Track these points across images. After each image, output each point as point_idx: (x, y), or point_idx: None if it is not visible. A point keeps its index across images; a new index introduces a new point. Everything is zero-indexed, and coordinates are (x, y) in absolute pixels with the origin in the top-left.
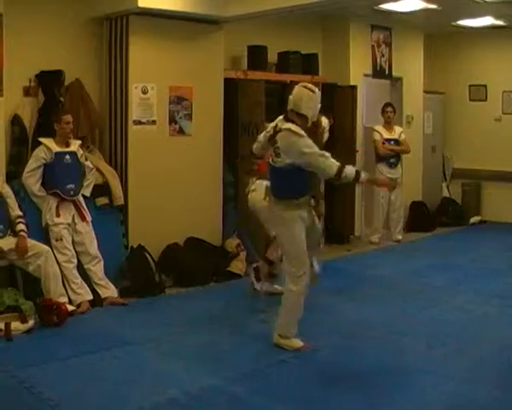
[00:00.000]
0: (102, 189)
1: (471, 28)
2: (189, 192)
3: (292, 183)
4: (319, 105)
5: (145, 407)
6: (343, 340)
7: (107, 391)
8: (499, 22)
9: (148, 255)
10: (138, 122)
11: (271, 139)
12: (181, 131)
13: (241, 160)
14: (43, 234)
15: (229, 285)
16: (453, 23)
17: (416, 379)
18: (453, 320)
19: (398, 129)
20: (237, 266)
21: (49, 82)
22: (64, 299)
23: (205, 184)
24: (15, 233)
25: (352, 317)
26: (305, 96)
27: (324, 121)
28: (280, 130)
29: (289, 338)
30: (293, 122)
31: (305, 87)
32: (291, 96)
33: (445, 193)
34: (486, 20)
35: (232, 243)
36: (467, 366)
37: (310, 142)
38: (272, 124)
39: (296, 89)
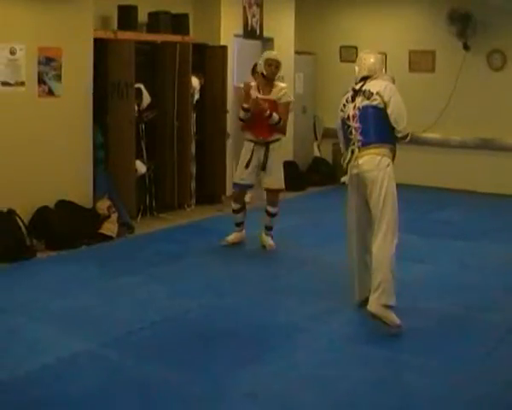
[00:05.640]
0: None
1: None
2: (59, 154)
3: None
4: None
5: (18, 374)
6: (215, 299)
7: None
8: None
9: (18, 219)
10: (6, 83)
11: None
12: (50, 93)
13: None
14: None
15: (101, 247)
16: None
17: (289, 337)
18: (325, 278)
19: None
20: (109, 227)
21: None
22: None
23: (75, 146)
24: None
25: (223, 276)
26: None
27: (195, 82)
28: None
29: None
30: None
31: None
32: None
33: (316, 153)
34: None
35: (103, 204)
36: (339, 323)
37: None
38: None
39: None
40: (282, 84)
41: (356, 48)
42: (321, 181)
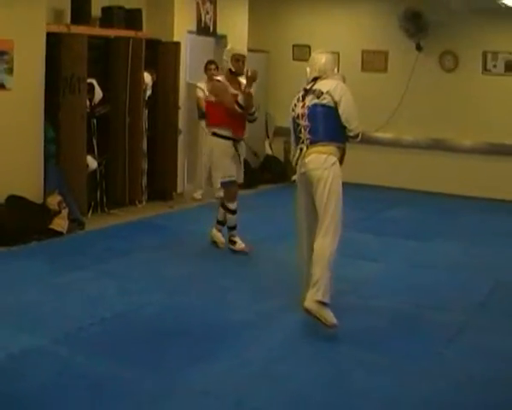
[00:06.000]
0: None
1: None
2: (10, 148)
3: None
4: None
5: None
6: (166, 296)
7: None
8: None
9: None
10: None
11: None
12: (1, 86)
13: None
14: None
15: (51, 243)
16: None
17: (241, 334)
18: (277, 275)
19: None
20: (59, 223)
21: None
22: None
23: (25, 140)
24: None
25: (174, 272)
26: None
27: (147, 78)
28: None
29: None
30: None
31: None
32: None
33: (268, 150)
34: None
35: (54, 200)
36: (290, 320)
37: None
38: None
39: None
40: (245, 81)
41: (309, 47)
42: (272, 179)
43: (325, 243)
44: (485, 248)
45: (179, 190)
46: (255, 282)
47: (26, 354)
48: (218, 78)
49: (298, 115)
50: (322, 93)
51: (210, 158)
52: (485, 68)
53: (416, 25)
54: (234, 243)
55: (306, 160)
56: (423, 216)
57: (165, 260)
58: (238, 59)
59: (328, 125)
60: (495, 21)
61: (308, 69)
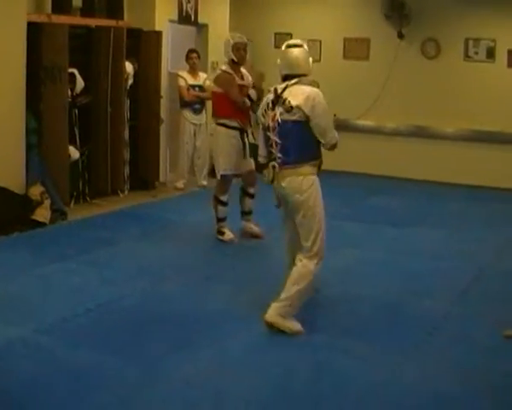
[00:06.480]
0: None
1: None
2: None
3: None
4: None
5: None
6: (148, 285)
7: None
8: None
9: None
10: None
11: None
12: None
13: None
14: None
15: (34, 234)
16: None
17: (223, 323)
18: (260, 265)
19: (202, 75)
20: (42, 214)
21: None
22: None
23: (7, 131)
24: None
25: (157, 262)
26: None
27: (129, 67)
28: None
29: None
30: None
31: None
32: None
33: (251, 139)
34: None
35: (36, 190)
36: None
37: None
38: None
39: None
40: (245, 70)
41: (291, 35)
42: (255, 168)
43: (310, 266)
44: (468, 236)
45: (162, 179)
46: (238, 272)
47: (11, 346)
48: (224, 67)
49: (268, 127)
50: (292, 108)
51: (213, 148)
52: (466, 55)
53: (398, 13)
54: (222, 233)
55: (282, 183)
56: (406, 204)
57: (147, 249)
58: (239, 48)
59: (300, 143)
60: (476, 8)
61: (279, 61)
